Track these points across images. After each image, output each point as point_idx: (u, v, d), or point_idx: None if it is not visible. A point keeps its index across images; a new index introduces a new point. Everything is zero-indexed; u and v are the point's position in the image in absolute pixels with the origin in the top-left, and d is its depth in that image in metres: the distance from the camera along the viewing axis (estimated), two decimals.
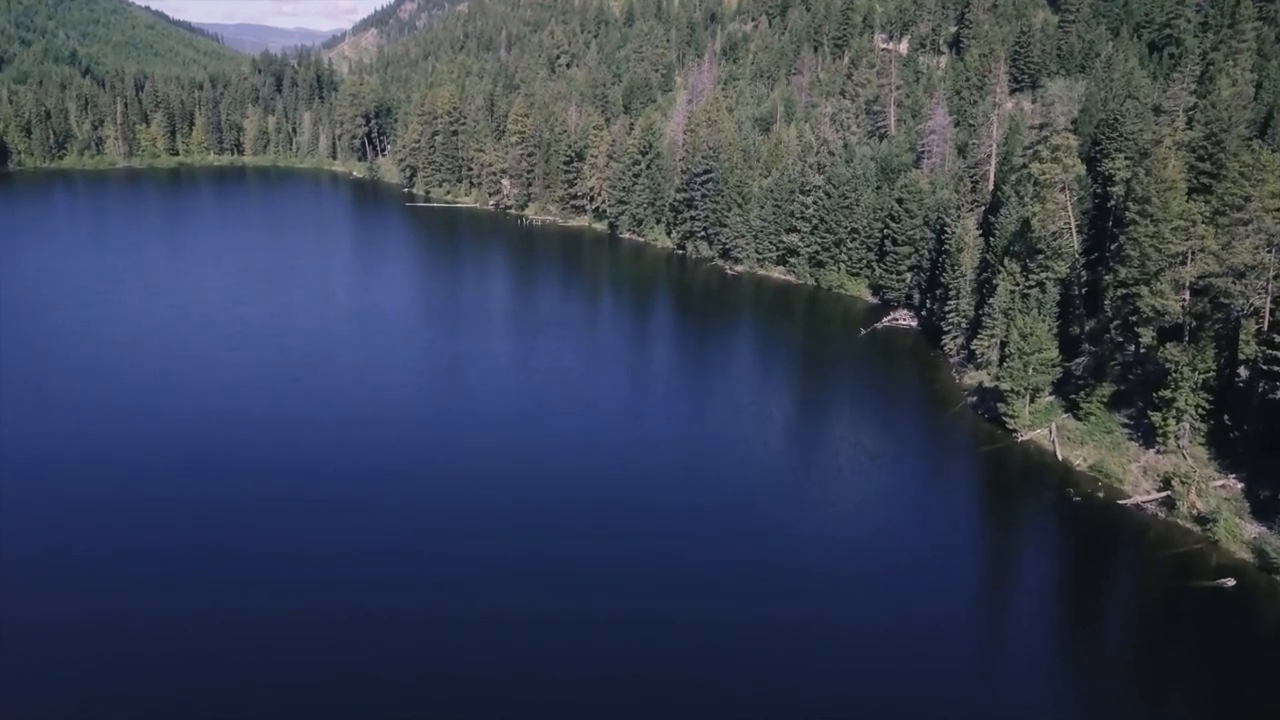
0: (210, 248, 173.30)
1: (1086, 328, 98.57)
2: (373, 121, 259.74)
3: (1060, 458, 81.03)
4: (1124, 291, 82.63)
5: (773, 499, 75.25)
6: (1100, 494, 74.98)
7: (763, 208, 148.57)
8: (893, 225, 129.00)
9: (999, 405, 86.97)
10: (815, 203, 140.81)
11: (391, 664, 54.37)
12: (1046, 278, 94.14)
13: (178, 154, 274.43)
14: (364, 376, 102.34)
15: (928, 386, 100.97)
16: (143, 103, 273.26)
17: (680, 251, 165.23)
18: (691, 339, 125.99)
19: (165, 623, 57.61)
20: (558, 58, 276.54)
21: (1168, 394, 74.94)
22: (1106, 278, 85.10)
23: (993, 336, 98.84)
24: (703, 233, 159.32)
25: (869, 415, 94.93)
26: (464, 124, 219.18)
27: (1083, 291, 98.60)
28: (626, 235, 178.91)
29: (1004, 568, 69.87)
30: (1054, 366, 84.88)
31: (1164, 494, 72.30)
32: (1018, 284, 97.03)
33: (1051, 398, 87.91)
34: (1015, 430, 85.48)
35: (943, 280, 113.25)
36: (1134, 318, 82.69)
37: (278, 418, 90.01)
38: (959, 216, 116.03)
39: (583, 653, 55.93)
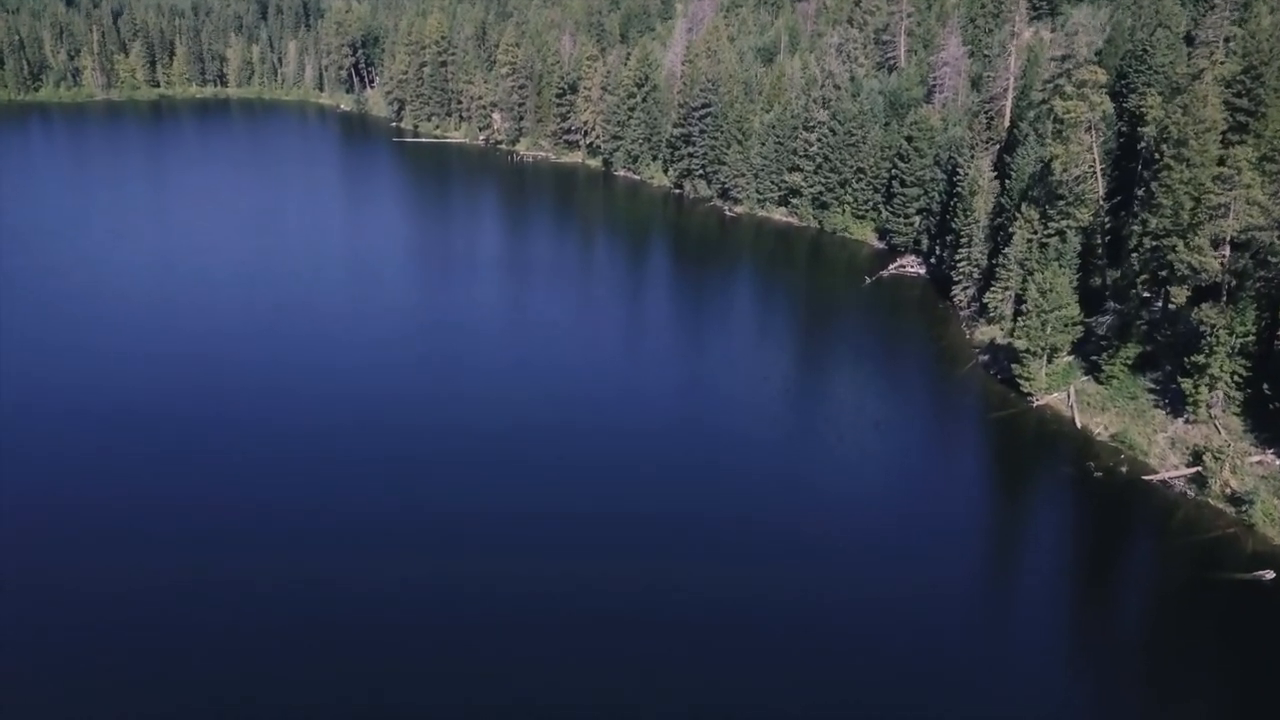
0: (186, 190, 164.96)
1: (1109, 280, 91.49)
2: (359, 51, 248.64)
3: (1079, 425, 74.72)
4: (1154, 244, 75.39)
5: (766, 473, 69.21)
6: (1123, 468, 68.70)
7: (764, 145, 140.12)
8: (901, 165, 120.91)
9: (1013, 366, 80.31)
10: (819, 140, 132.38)
11: (367, 625, 52.61)
12: (1067, 226, 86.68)
13: (158, 85, 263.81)
14: (340, 336, 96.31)
15: (936, 343, 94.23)
16: (120, 31, 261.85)
17: (678, 191, 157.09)
18: (688, 288, 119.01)
19: (121, 579, 56.10)
20: None
21: (1201, 359, 68.24)
22: (1134, 227, 77.63)
23: (1007, 289, 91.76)
24: (700, 171, 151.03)
25: (872, 375, 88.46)
26: (453, 54, 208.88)
27: (1106, 240, 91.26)
28: (621, 173, 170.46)
29: (1014, 551, 63.95)
30: (1074, 325, 77.99)
31: (1194, 470, 66.03)
32: (1035, 232, 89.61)
33: (1070, 358, 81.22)
34: (1030, 394, 79.02)
35: (954, 226, 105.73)
36: (1164, 273, 75.62)
37: (242, 371, 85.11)
38: (972, 157, 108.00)
39: (570, 608, 54.09)
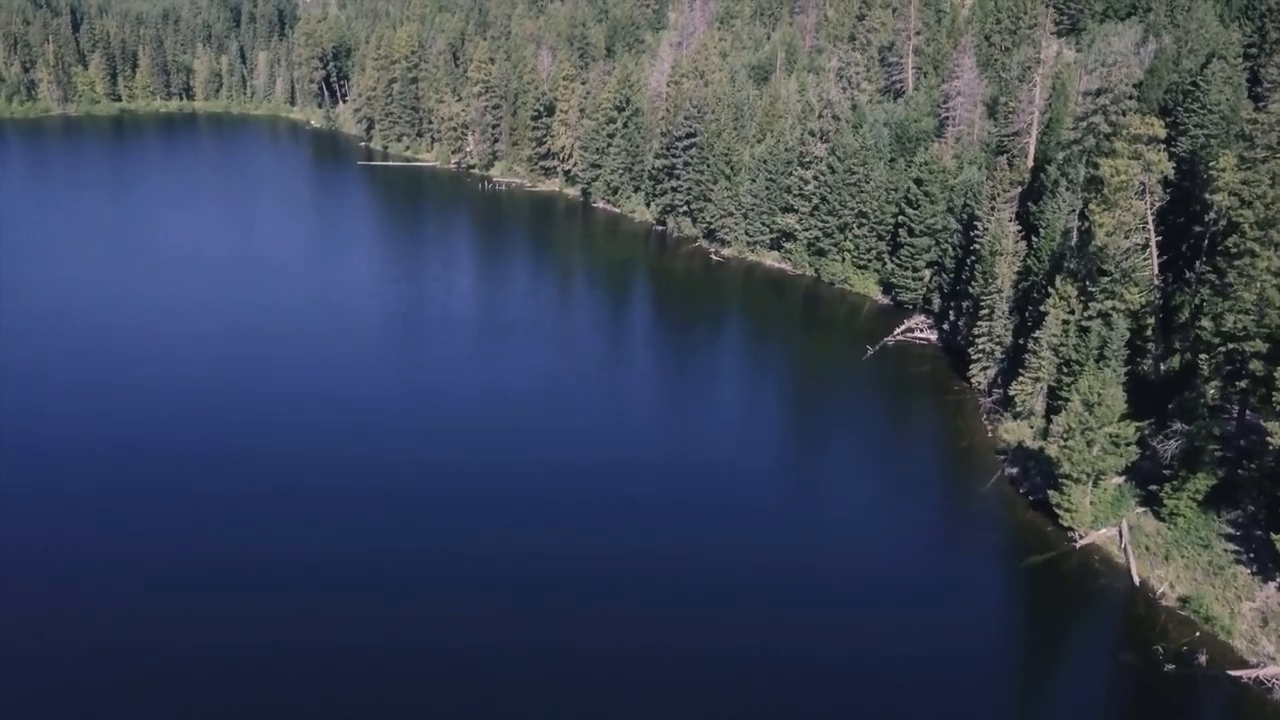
0: (136, 221, 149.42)
1: (1164, 368, 75.85)
2: (331, 64, 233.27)
3: (1136, 579, 58.99)
4: (1230, 347, 59.86)
5: (739, 651, 53.75)
6: (1200, 655, 52.68)
7: (754, 181, 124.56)
8: (909, 211, 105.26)
9: (1050, 492, 64.56)
10: (816, 178, 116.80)
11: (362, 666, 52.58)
12: (1113, 308, 71.14)
13: (120, 99, 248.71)
14: (303, 402, 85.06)
15: (952, 441, 78.45)
16: (79, 42, 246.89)
17: (660, 227, 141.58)
18: (668, 350, 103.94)
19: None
20: None
21: None
22: (1203, 323, 62.02)
23: (1038, 380, 76.25)
24: (685, 207, 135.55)
25: (870, 489, 72.72)
26: (424, 71, 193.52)
27: (1159, 320, 75.66)
28: (601, 204, 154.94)
29: None
30: (1128, 446, 62.27)
31: None
32: (1073, 312, 74.13)
33: (1121, 479, 65.61)
34: (1072, 529, 63.28)
35: (971, 290, 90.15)
36: (1243, 383, 60.01)
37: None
38: (993, 209, 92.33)
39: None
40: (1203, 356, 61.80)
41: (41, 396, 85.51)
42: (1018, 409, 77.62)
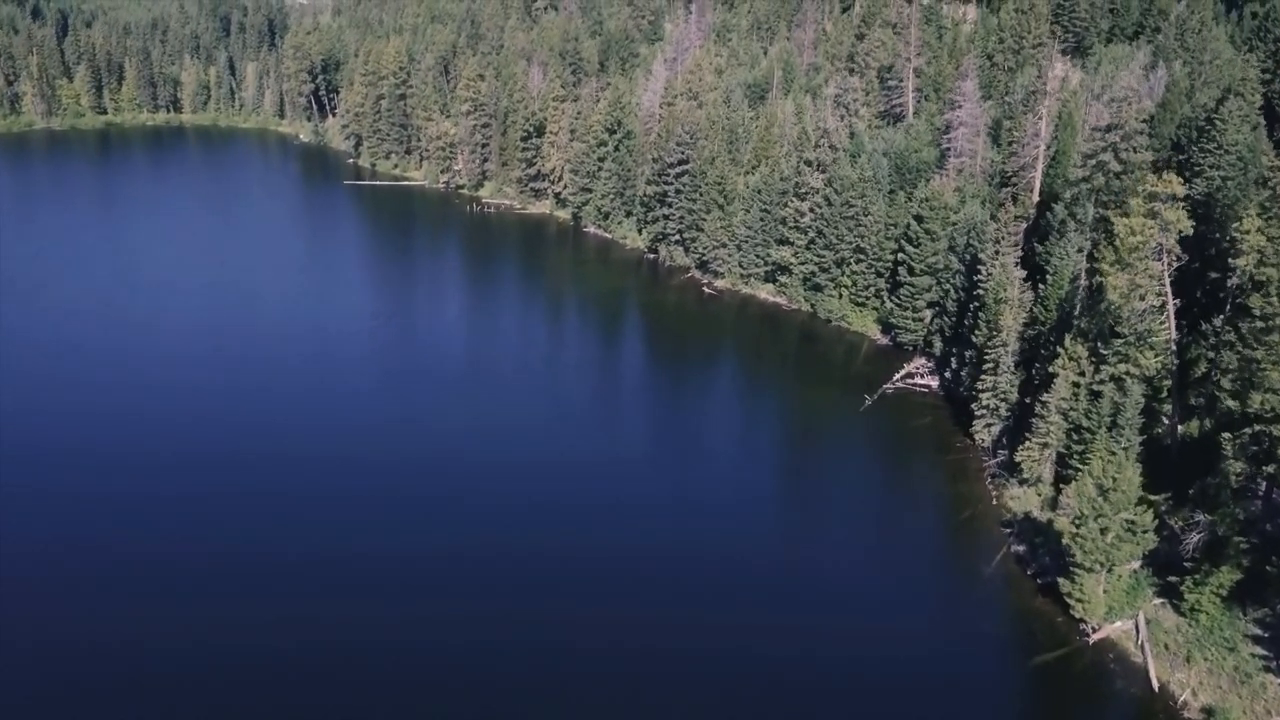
0: (115, 247, 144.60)
1: (1181, 430, 71.29)
2: (320, 78, 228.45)
3: (1155, 683, 54.40)
4: (1257, 429, 55.22)
5: None
6: None
7: (748, 212, 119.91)
8: (909, 249, 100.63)
9: (1060, 581, 59.85)
10: (812, 210, 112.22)
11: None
12: (1127, 373, 66.53)
13: (105, 112, 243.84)
14: (289, 450, 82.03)
15: (953, 510, 73.76)
16: (65, 54, 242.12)
17: (652, 255, 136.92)
18: (654, 399, 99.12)
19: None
20: (534, 0, 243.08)
21: None
22: (1225, 395, 57.39)
23: (1045, 446, 71.60)
24: (677, 236, 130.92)
25: (866, 568, 67.52)
26: (412, 87, 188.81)
27: (1175, 382, 71.06)
28: (591, 229, 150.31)
29: None
30: (1146, 533, 57.61)
31: None
32: (1083, 373, 69.52)
33: (1137, 565, 61.00)
34: (1084, 621, 58.64)
35: (974, 340, 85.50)
36: (1273, 467, 55.39)
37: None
38: (997, 253, 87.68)
39: None
40: (1226, 435, 57.07)
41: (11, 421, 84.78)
42: (1024, 475, 72.98)
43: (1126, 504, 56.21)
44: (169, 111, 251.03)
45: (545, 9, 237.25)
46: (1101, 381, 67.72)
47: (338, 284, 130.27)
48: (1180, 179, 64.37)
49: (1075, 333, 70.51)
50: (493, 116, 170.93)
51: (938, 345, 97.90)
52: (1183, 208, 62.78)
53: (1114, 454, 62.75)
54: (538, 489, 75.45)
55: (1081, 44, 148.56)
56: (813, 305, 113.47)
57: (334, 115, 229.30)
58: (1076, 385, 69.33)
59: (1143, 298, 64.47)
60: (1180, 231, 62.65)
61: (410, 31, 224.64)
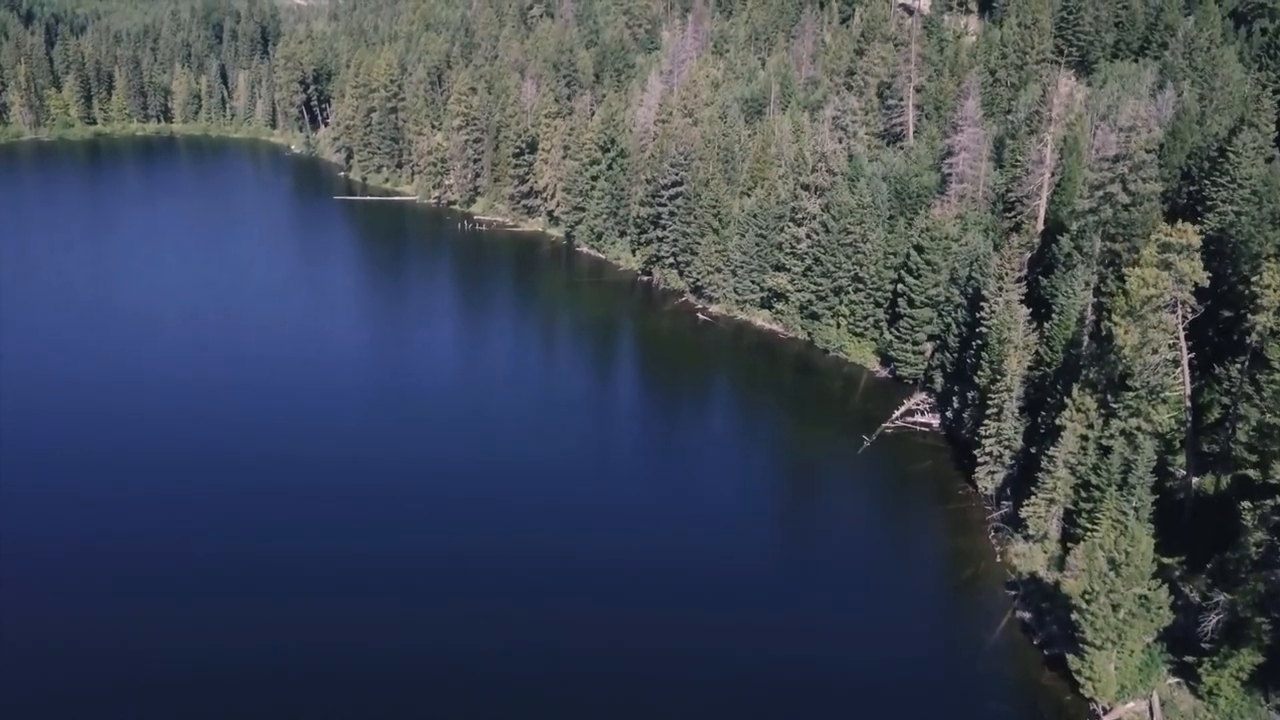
0: (99, 267, 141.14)
1: (1195, 485, 67.84)
2: (311, 88, 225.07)
3: None
4: (1279, 500, 51.81)
5: None
6: None
7: (743, 236, 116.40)
8: (909, 280, 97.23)
9: (1069, 657, 56.43)
10: (809, 236, 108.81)
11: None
12: (1138, 428, 63.11)
13: (95, 122, 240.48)
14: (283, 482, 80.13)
15: (955, 568, 70.18)
16: (53, 63, 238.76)
17: (646, 278, 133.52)
18: (645, 436, 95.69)
19: None
20: (530, 7, 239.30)
21: None
22: (1249, 471, 54.02)
23: (1052, 502, 68.16)
24: (671, 259, 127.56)
25: (862, 635, 63.04)
26: (404, 100, 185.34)
27: (1189, 437, 67.64)
28: (585, 249, 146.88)
29: None
30: (1160, 610, 54.20)
31: None
32: (1092, 426, 66.08)
33: (1150, 639, 57.54)
34: (1094, 701, 55.25)
35: (977, 380, 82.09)
36: None
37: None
38: (1000, 288, 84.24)
39: None
40: (1245, 505, 53.66)
41: None
42: (1030, 531, 69.55)
43: (1139, 579, 52.83)
44: (159, 121, 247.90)
45: (541, 16, 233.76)
46: (1111, 436, 64.33)
47: (325, 309, 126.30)
48: (1193, 222, 61.16)
49: (1083, 383, 67.01)
50: (485, 131, 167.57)
51: (939, 381, 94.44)
52: (1198, 255, 59.29)
53: (1125, 515, 59.65)
54: (511, 567, 69.88)
55: (1086, 59, 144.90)
56: (810, 334, 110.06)
57: (326, 126, 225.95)
58: (1084, 439, 65.93)
59: (1155, 350, 61.05)
60: (1196, 284, 59.15)
61: (404, 39, 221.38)
